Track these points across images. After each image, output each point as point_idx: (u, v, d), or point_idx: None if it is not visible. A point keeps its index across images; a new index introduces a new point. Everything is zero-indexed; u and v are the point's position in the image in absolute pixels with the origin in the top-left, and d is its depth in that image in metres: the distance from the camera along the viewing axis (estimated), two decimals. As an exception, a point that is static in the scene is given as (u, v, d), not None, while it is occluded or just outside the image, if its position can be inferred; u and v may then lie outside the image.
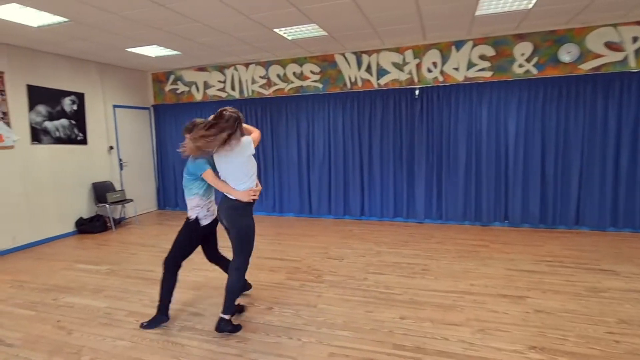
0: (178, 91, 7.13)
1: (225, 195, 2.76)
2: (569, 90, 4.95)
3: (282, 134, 6.47)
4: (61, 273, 4.10)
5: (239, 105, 6.64)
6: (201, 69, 6.88)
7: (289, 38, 5.08)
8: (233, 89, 6.73)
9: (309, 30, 4.79)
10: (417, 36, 5.21)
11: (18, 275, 4.07)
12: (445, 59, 5.45)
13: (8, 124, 4.90)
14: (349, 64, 5.95)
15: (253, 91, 6.60)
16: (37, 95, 5.26)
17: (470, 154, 5.47)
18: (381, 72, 5.79)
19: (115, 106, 6.59)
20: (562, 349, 2.40)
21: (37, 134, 5.29)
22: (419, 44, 5.54)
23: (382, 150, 5.91)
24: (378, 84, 5.84)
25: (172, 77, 7.13)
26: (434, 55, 5.50)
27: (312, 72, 6.18)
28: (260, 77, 6.51)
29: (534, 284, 3.39)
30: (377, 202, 6.03)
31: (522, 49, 5.09)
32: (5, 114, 4.86)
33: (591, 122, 4.92)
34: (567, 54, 4.86)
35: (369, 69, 5.86)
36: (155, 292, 3.43)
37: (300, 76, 6.26)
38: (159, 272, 4.00)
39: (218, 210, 2.86)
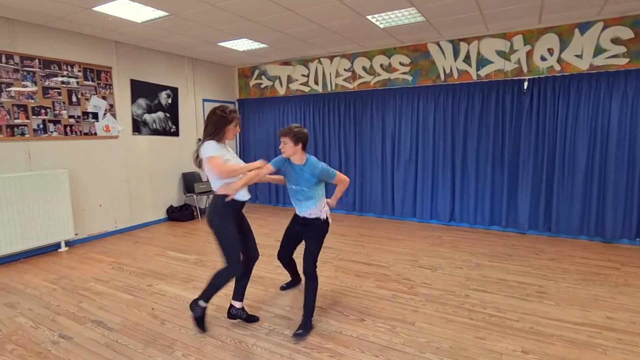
0: (262, 86, 7.19)
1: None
2: None
3: (366, 129, 6.14)
4: (155, 259, 4.26)
5: (321, 100, 6.48)
6: (285, 63, 6.84)
7: (381, 26, 4.72)
8: (316, 83, 6.56)
9: (405, 16, 4.38)
10: (531, 19, 4.50)
11: (119, 257, 4.33)
12: (564, 44, 4.64)
13: (114, 115, 5.27)
14: (444, 53, 5.40)
15: (337, 85, 6.36)
16: (138, 89, 5.61)
17: (593, 157, 4.60)
18: (482, 62, 5.15)
19: (204, 100, 6.84)
20: None
21: (138, 126, 5.64)
22: (531, 28, 4.79)
23: (479, 151, 5.27)
24: (478, 76, 5.20)
25: (256, 72, 7.20)
26: (550, 41, 4.72)
27: (401, 63, 5.75)
28: (345, 70, 6.25)
29: (700, 327, 2.64)
30: (470, 207, 5.41)
31: (674, 29, 4.11)
32: (112, 106, 5.23)
33: None
34: None
35: (467, 59, 5.25)
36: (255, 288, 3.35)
37: (388, 68, 5.86)
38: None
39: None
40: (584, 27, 4.52)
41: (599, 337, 2.52)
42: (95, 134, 5.05)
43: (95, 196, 5.09)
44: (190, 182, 6.36)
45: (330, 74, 6.40)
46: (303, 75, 6.68)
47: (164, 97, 6.05)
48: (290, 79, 6.84)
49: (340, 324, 2.76)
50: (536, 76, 4.83)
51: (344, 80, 6.28)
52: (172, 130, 6.22)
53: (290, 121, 6.87)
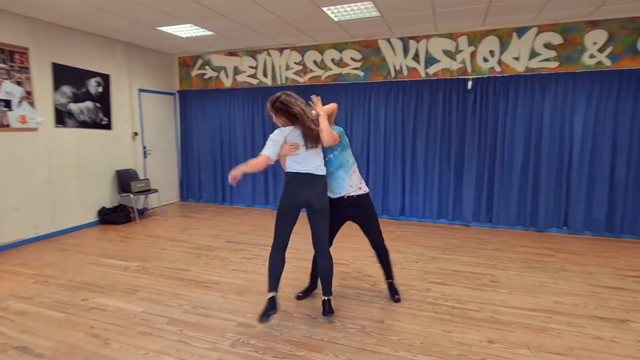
0: (206, 76, 6.73)
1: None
2: (648, 84, 4.44)
3: (318, 124, 6.03)
4: (89, 269, 3.74)
5: (271, 93, 6.19)
6: (232, 53, 6.47)
7: (336, 19, 4.63)
8: (265, 75, 6.30)
9: (361, 10, 4.34)
10: (476, 21, 4.72)
11: (43, 269, 3.73)
12: (504, 47, 4.96)
13: (32, 104, 4.54)
14: (394, 50, 5.48)
15: (287, 78, 6.17)
16: (62, 75, 4.90)
17: (529, 154, 4.98)
18: (430, 61, 5.32)
19: (140, 90, 6.22)
20: None
21: (62, 116, 4.93)
22: (475, 30, 5.04)
23: (427, 147, 5.45)
24: (426, 73, 5.36)
25: (199, 62, 6.73)
26: (491, 43, 5.00)
27: (352, 58, 5.73)
28: (296, 63, 6.07)
29: (630, 305, 2.94)
30: (419, 201, 5.59)
31: (595, 37, 4.57)
32: (29, 93, 4.50)
33: (672, 121, 4.41)
34: (648, 43, 4.34)
35: (416, 57, 5.38)
36: (193, 294, 3.07)
37: (340, 63, 5.81)
38: (194, 271, 3.65)
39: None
40: (521, 31, 4.86)
41: (552, 322, 2.69)
42: (8, 125, 4.30)
43: (8, 198, 4.35)
44: (125, 180, 5.75)
45: (280, 66, 6.18)
46: (251, 67, 6.38)
47: (93, 85, 5.37)
48: (237, 70, 6.48)
49: (309, 328, 2.62)
50: (479, 76, 5.10)
51: (295, 73, 6.10)
52: (103, 122, 5.55)
53: (238, 115, 6.54)
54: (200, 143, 6.89)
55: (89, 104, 5.32)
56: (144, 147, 6.32)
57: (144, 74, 6.28)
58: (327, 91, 5.88)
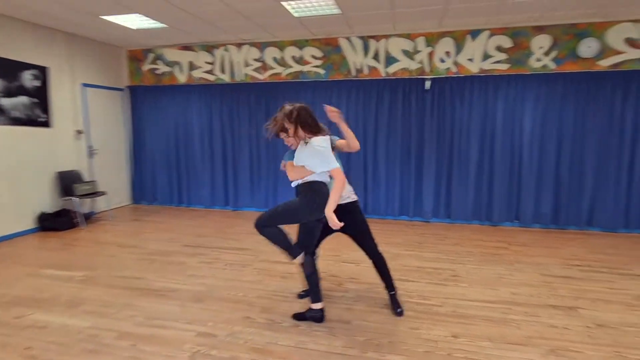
0: (158, 72, 6.36)
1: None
2: (587, 87, 4.78)
3: (278, 123, 5.90)
4: (25, 281, 3.36)
5: (229, 90, 6.02)
6: (186, 47, 6.16)
7: (296, 15, 4.54)
8: (223, 71, 6.06)
9: (322, 7, 4.28)
10: (433, 22, 4.84)
11: (-33, 284, 3.30)
12: (459, 48, 5.12)
13: (-47, 97, 4.01)
14: (354, 49, 5.48)
15: (246, 75, 5.97)
16: (-10, 66, 4.38)
17: (483, 151, 5.20)
18: (390, 60, 5.38)
19: (84, 85, 5.74)
20: (650, 373, 2.10)
21: (-10, 112, 4.41)
22: (432, 31, 5.17)
23: (388, 145, 5.51)
24: (386, 73, 5.42)
25: (151, 56, 6.34)
26: (447, 44, 5.15)
27: (313, 56, 5.66)
28: (255, 59, 5.90)
29: (577, 292, 3.13)
30: (380, 199, 5.64)
31: (541, 42, 4.86)
32: (-51, 85, 3.97)
33: (608, 121, 4.78)
34: (587, 48, 4.67)
35: (376, 56, 5.42)
36: (146, 305, 2.85)
37: (300, 60, 5.73)
38: (148, 279, 3.40)
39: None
40: (474, 33, 5.05)
41: (511, 313, 2.79)
42: None
43: None
44: (68, 182, 5.28)
45: (238, 62, 5.97)
46: (207, 62, 6.11)
47: (27, 78, 4.86)
48: (192, 66, 6.18)
49: (274, 333, 2.51)
50: (437, 76, 5.23)
51: (254, 70, 5.93)
52: (40, 119, 5.05)
53: (195, 112, 6.24)
54: (154, 142, 6.50)
55: (23, 99, 4.81)
56: (90, 146, 5.84)
57: (89, 67, 5.80)
58: (287, 89, 5.78)
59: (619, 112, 4.73)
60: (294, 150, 2.51)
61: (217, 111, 6.14)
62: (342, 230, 2.56)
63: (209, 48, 6.06)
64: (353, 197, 2.77)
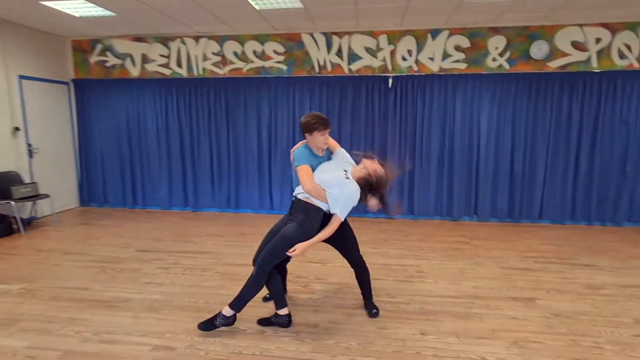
0: (108, 64, 5.91)
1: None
2: (538, 87, 5.02)
3: (240, 120, 5.70)
4: (-51, 298, 2.97)
5: (187, 85, 5.73)
6: (139, 38, 5.77)
7: (257, 7, 4.38)
8: (179, 65, 5.75)
9: (284, 0, 4.15)
10: (395, 19, 4.86)
11: None
12: (420, 47, 5.20)
13: None
14: (317, 45, 5.40)
15: (204, 69, 5.70)
16: None
17: (444, 149, 5.32)
18: (353, 57, 5.35)
19: (21, 77, 5.20)
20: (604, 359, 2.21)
21: None
22: (394, 29, 5.20)
23: (352, 142, 5.48)
24: (349, 70, 5.39)
25: (99, 47, 5.88)
26: (409, 43, 5.21)
27: (275, 51, 5.51)
28: (214, 53, 5.65)
29: (533, 283, 3.26)
30: (345, 197, 5.61)
31: (496, 43, 5.03)
32: None
33: (557, 120, 5.05)
34: (538, 50, 4.91)
35: (339, 53, 5.37)
36: (95, 318, 2.61)
37: (262, 56, 5.55)
38: (97, 289, 3.12)
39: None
40: (434, 33, 5.14)
41: (474, 306, 2.84)
42: None
43: None
44: (4, 184, 4.76)
45: (196, 56, 5.69)
46: (162, 55, 5.76)
47: (-48, 68, 4.31)
48: (145, 59, 5.81)
49: (238, 342, 2.38)
50: (399, 74, 5.28)
51: (213, 65, 5.68)
52: (-31, 114, 4.51)
53: (149, 108, 5.88)
54: (104, 139, 6.05)
55: (-54, 91, 4.26)
56: (29, 145, 5.32)
57: (26, 58, 5.27)
58: (249, 85, 5.59)
59: (566, 111, 5.01)
60: (315, 155, 2.52)
61: (174, 107, 5.82)
62: (327, 240, 2.49)
63: (164, 40, 5.72)
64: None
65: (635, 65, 4.83)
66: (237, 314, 2.46)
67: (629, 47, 4.81)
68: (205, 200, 5.95)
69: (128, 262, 3.75)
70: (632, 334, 2.46)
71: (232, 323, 2.47)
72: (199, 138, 5.86)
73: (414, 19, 4.83)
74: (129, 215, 5.72)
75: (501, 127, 5.16)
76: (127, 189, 6.11)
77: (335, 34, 5.33)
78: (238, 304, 2.42)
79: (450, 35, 5.11)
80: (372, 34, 5.26)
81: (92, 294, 3.05)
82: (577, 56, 4.91)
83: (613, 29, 4.81)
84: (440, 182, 5.39)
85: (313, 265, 3.72)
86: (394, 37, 5.22)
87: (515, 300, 2.94)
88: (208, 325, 2.43)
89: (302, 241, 2.32)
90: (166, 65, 5.78)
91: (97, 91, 5.97)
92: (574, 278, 3.37)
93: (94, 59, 5.93)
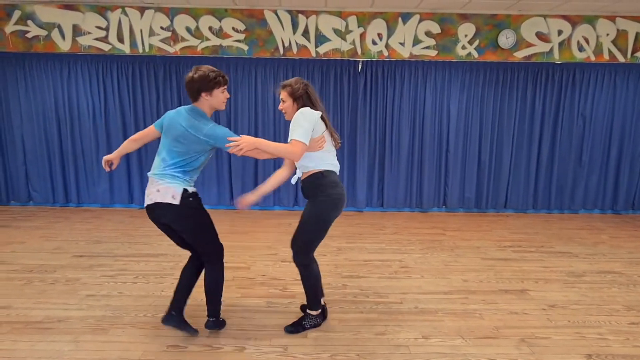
0: (29, 35, 4.95)
1: None
2: (504, 77, 5.04)
3: (194, 104, 5.09)
4: None
5: (130, 63, 5.00)
6: (69, 6, 4.89)
7: (216, -26, 3.83)
8: (121, 40, 4.98)
9: (248, -34, 3.66)
10: (365, 1, 4.57)
11: None
12: (391, 31, 4.97)
13: None
14: (282, 24, 4.95)
15: (152, 46, 5.00)
16: None
17: (414, 138, 5.17)
18: (321, 39, 4.99)
19: None
20: (614, 351, 2.10)
21: None
22: (364, 11, 4.91)
23: (319, 130, 5.14)
24: (317, 53, 5.02)
25: (17, 14, 4.90)
26: (379, 26, 4.95)
27: (234, 29, 4.97)
28: (163, 28, 4.96)
29: (519, 274, 3.17)
30: (312, 189, 5.27)
31: (466, 30, 4.95)
32: None
33: (522, 110, 5.11)
34: (506, 39, 4.91)
35: (306, 34, 4.98)
36: (20, 345, 2.02)
37: (219, 33, 4.98)
38: (20, 307, 2.46)
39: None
40: (405, 17, 4.93)
41: (470, 302, 2.66)
42: None
43: None
44: None
45: (141, 30, 4.96)
46: (99, 27, 4.95)
47: None
48: (77, 31, 4.95)
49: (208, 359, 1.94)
50: (369, 59, 5.01)
51: (162, 41, 4.99)
52: None
53: (82, 89, 5.05)
54: (26, 126, 5.09)
55: None
56: None
57: None
58: (205, 64, 4.97)
59: (530, 102, 5.09)
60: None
61: (115, 89, 5.04)
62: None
63: (101, 9, 4.91)
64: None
65: (592, 58, 5.02)
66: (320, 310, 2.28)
67: (587, 40, 4.98)
68: (154, 195, 5.26)
69: (62, 271, 3.08)
70: (628, 322, 2.41)
71: (323, 319, 2.32)
72: (145, 125, 5.13)
73: (384, 1, 4.58)
74: (60, 215, 4.87)
75: (469, 116, 5.12)
76: (56, 184, 5.21)
77: (302, 12, 4.92)
78: (314, 302, 2.25)
79: (421, 20, 4.94)
80: (341, 15, 4.93)
81: (15, 313, 2.40)
82: (541, 47, 4.99)
83: (573, 21, 4.94)
84: (410, 173, 5.25)
85: (288, 264, 3.32)
86: (363, 19, 4.94)
87: (507, 293, 2.81)
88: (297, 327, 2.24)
89: (321, 217, 2.12)
90: (104, 39, 4.97)
91: (16, 68, 4.99)
92: (555, 267, 3.35)
93: (10, 28, 4.93)
